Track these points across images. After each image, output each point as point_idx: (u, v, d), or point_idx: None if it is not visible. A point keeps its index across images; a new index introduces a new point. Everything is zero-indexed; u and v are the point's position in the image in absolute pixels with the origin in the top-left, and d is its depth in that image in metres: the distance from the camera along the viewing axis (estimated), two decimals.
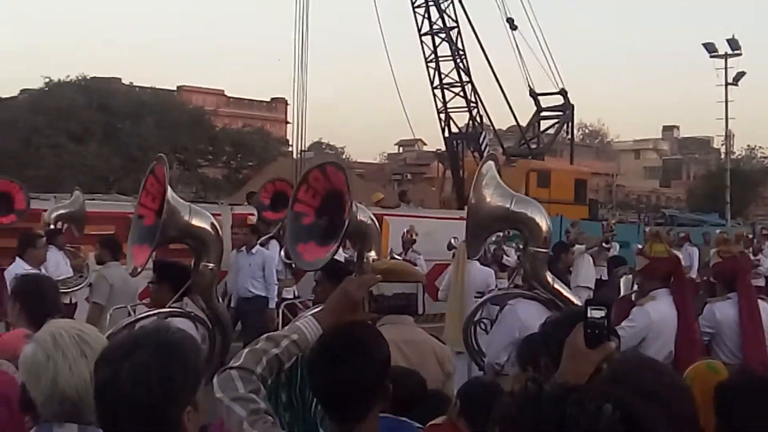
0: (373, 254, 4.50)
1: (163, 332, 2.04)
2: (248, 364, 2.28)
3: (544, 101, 32.08)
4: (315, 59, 29.54)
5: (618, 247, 15.37)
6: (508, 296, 5.09)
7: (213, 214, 5.18)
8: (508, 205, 4.70)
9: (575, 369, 2.09)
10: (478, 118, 28.01)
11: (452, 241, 12.86)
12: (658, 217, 35.93)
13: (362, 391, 2.26)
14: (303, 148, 23.74)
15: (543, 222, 4.77)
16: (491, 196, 4.69)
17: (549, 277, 4.82)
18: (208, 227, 4.90)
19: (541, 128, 32.90)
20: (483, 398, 3.15)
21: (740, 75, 33.45)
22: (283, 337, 2.38)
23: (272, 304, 11.35)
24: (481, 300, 5.52)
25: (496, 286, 9.38)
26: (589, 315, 2.14)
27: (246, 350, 2.35)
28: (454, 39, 27.18)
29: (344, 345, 2.27)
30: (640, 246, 8.72)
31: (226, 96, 69.92)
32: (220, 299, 5.44)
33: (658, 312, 5.35)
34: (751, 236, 18.15)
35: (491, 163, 4.85)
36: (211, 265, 4.87)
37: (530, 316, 4.44)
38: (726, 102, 34.11)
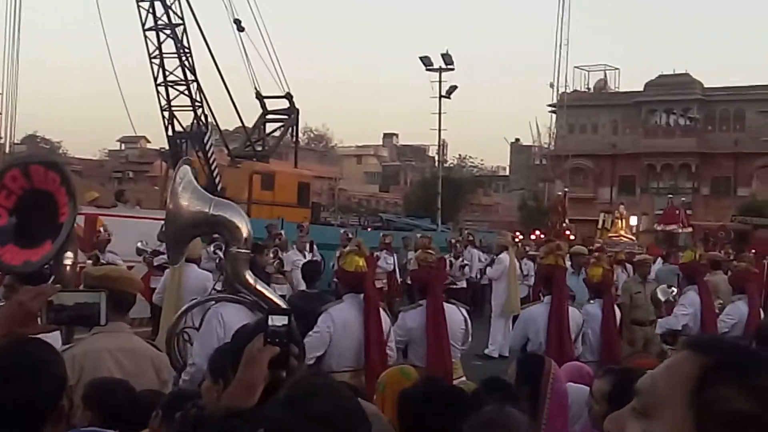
0: (70, 256, 4.35)
1: None
2: None
3: (270, 104, 32.29)
4: (32, 48, 27.78)
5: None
6: (214, 300, 5.12)
7: None
8: (207, 210, 4.69)
9: (250, 376, 2.08)
10: (203, 118, 27.64)
11: (139, 244, 12.95)
12: (376, 221, 37.37)
13: (31, 412, 2.05)
14: (14, 141, 22.26)
15: (242, 224, 4.81)
16: (189, 201, 4.67)
17: (250, 278, 4.88)
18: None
19: (267, 131, 33.08)
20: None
21: (453, 88, 35.60)
22: None
23: None
24: (183, 308, 5.44)
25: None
26: (270, 323, 2.11)
27: None
28: (180, 36, 26.63)
29: (12, 362, 2.08)
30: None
31: None
32: None
33: (343, 312, 5.86)
34: (455, 241, 19.40)
35: (186, 168, 4.83)
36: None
37: (233, 320, 4.48)
38: (440, 113, 36.21)
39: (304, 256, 15.02)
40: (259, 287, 4.91)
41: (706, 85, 54.94)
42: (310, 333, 5.71)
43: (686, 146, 54.09)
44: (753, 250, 20.13)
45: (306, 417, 1.75)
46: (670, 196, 27.00)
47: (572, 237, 22.12)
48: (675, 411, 1.16)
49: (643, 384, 1.22)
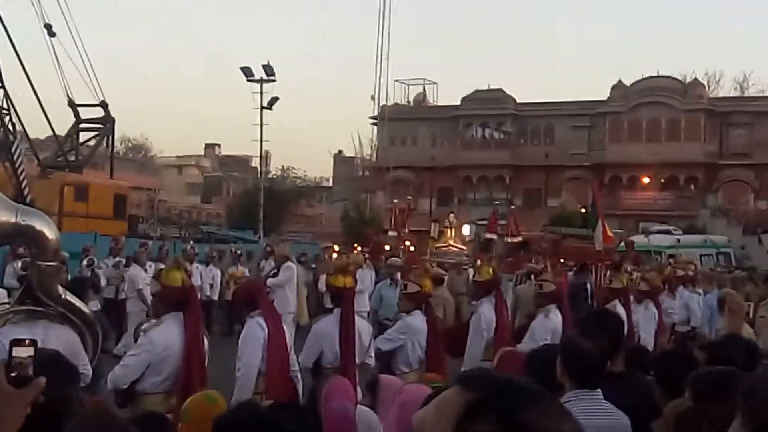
0: None
1: None
2: None
3: (84, 112, 31.17)
4: None
5: None
6: (10, 315, 4.86)
7: None
8: (14, 219, 4.46)
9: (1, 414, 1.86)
10: (10, 126, 26.27)
11: None
12: (197, 233, 36.68)
13: None
14: None
15: (52, 234, 4.62)
16: None
17: (60, 290, 4.73)
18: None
19: (81, 140, 31.90)
20: None
21: (274, 100, 35.53)
22: None
23: None
24: None
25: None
26: (13, 354, 1.91)
27: None
28: None
29: None
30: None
31: None
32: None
33: (164, 334, 5.55)
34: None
35: None
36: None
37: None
38: (261, 124, 36.01)
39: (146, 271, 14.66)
40: (68, 298, 4.79)
41: (518, 101, 57.59)
42: (130, 354, 5.53)
43: (500, 159, 56.49)
44: (562, 260, 21.22)
45: None
46: (497, 203, 27.68)
47: (387, 248, 22.34)
48: None
49: (418, 417, 1.25)
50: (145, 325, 5.87)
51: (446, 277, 14.45)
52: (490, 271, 9.17)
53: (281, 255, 15.26)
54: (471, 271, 16.05)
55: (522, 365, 4.37)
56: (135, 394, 5.48)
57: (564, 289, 9.03)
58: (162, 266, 6.98)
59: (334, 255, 18.93)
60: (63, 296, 4.77)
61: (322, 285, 18.51)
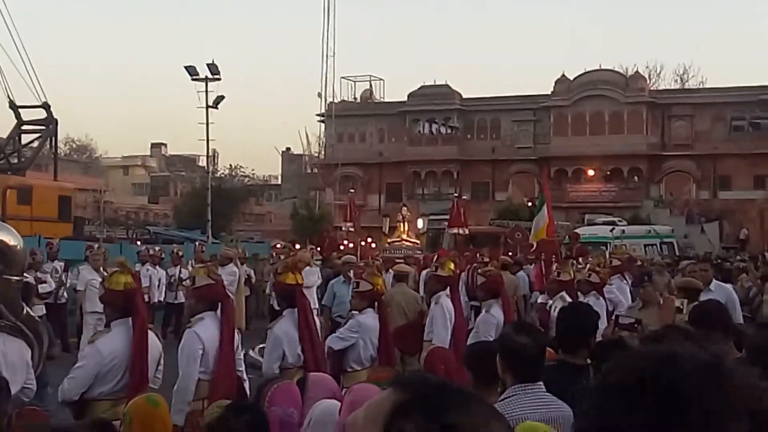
0: None
1: None
2: None
3: (26, 114, 30.68)
4: None
5: None
6: None
7: None
8: None
9: None
10: None
11: None
12: (145, 233, 36.32)
13: None
14: None
15: (19, 247, 4.57)
16: None
17: (22, 305, 4.69)
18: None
19: (23, 142, 31.41)
20: None
21: (220, 98, 35.16)
22: None
23: None
24: None
25: None
26: None
27: None
28: None
29: None
30: None
31: None
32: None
33: (111, 343, 5.54)
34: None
35: None
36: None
37: None
38: (207, 123, 35.64)
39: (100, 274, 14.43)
40: (28, 313, 4.73)
41: (464, 96, 57.96)
42: (77, 366, 5.50)
43: (448, 154, 56.82)
44: (509, 252, 21.45)
45: None
46: (456, 195, 27.41)
47: (343, 245, 22.33)
48: None
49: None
50: (94, 334, 5.82)
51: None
52: (452, 266, 9.33)
53: (225, 256, 15.12)
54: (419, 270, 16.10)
55: (449, 362, 4.48)
56: (84, 401, 5.44)
57: (502, 283, 9.18)
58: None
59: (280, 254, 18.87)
60: (24, 311, 4.70)
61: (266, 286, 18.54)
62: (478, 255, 16.61)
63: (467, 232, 22.84)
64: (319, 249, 20.90)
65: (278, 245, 20.90)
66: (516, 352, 3.81)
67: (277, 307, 8.91)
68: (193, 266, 14.88)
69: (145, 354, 5.57)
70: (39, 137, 31.38)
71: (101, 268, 14.42)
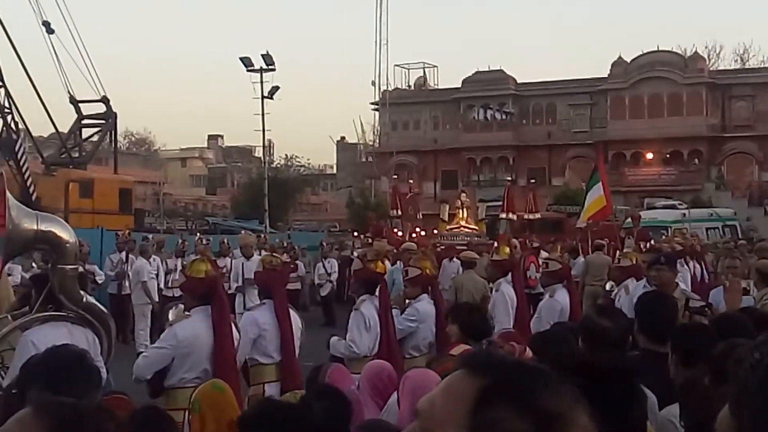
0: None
1: None
2: None
3: (86, 108, 31.24)
4: None
5: None
6: (36, 320, 4.90)
7: None
8: (35, 227, 4.54)
9: None
10: (13, 125, 26.33)
11: None
12: (203, 224, 36.81)
13: None
14: None
15: (70, 238, 4.71)
16: (17, 219, 4.46)
17: (81, 293, 4.79)
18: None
19: (83, 136, 32.02)
20: None
21: (275, 89, 35.38)
22: None
23: None
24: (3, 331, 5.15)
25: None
26: None
27: None
28: None
29: None
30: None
31: None
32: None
33: (190, 329, 5.48)
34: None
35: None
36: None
37: (47, 341, 4.30)
38: (263, 114, 35.90)
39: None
40: (89, 300, 4.86)
41: (519, 81, 57.43)
42: (153, 346, 5.54)
43: (503, 140, 56.39)
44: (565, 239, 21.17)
45: None
46: (509, 180, 27.06)
47: (399, 233, 22.22)
48: None
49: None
50: (172, 316, 5.74)
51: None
52: (507, 250, 9.25)
53: (246, 245, 15.06)
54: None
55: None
56: (167, 389, 5.41)
57: (568, 269, 9.05)
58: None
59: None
60: (83, 299, 4.82)
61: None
62: (527, 242, 16.42)
63: (529, 217, 22.51)
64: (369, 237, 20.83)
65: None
66: (598, 335, 3.76)
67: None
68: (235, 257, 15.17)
69: (226, 343, 5.52)
70: (99, 131, 31.95)
71: (151, 258, 14.96)
